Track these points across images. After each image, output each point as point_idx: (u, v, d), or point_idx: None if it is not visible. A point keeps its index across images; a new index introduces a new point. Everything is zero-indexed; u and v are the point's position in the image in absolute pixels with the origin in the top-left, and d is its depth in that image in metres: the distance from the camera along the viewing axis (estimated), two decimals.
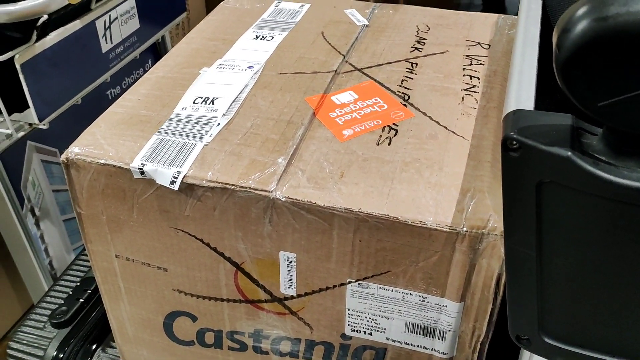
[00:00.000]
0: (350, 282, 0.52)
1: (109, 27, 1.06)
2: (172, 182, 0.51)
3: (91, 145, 0.54)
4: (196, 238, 0.54)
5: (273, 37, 0.72)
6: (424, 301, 0.51)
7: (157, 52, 1.33)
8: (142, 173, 0.51)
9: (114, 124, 0.57)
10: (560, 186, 0.32)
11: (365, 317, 0.54)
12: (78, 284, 0.83)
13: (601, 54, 0.27)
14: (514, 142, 0.33)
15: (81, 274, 0.85)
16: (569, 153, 0.31)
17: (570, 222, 0.33)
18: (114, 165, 0.52)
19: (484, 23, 0.75)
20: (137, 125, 0.57)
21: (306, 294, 0.55)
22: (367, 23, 0.75)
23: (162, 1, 1.22)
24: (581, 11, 0.27)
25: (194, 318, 0.61)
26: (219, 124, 0.57)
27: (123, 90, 1.21)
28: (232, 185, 0.50)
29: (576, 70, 0.28)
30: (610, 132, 0.31)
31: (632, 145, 0.30)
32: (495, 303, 0.48)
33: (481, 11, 1.96)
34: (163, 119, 0.57)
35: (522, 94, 0.37)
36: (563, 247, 0.34)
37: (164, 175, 0.51)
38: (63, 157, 0.53)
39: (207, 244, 0.55)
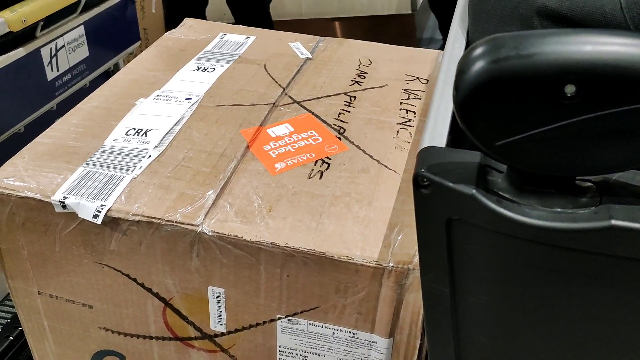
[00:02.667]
0: (280, 318, 0.51)
1: (55, 55, 1.04)
2: (95, 216, 0.49)
3: (11, 177, 0.52)
4: (122, 273, 0.53)
5: (215, 69, 0.72)
6: (354, 337, 0.50)
7: None
8: (64, 206, 0.50)
9: (39, 155, 0.55)
10: (467, 224, 0.32)
11: (297, 355, 0.53)
12: (9, 320, 0.79)
13: (495, 95, 0.28)
14: (425, 179, 0.33)
15: (14, 310, 0.81)
16: (474, 191, 0.31)
17: (479, 260, 0.33)
18: (34, 199, 0.50)
19: (424, 59, 0.76)
20: (64, 157, 0.55)
21: (236, 330, 0.53)
22: (310, 56, 0.76)
23: (113, 30, 1.21)
24: (475, 53, 0.28)
25: (122, 357, 0.58)
26: (150, 156, 0.55)
27: None
28: (158, 219, 0.49)
29: (473, 110, 0.28)
30: (512, 170, 0.31)
31: (533, 183, 0.31)
32: (424, 339, 0.48)
33: (441, 46, 2.01)
34: (92, 150, 0.56)
35: (436, 130, 0.37)
36: (474, 284, 0.34)
37: (87, 208, 0.49)
38: None
39: (134, 280, 0.53)
